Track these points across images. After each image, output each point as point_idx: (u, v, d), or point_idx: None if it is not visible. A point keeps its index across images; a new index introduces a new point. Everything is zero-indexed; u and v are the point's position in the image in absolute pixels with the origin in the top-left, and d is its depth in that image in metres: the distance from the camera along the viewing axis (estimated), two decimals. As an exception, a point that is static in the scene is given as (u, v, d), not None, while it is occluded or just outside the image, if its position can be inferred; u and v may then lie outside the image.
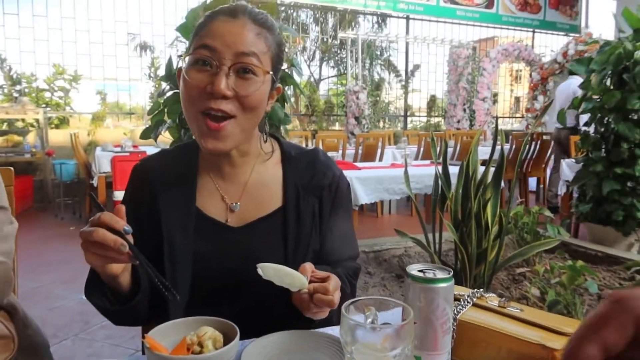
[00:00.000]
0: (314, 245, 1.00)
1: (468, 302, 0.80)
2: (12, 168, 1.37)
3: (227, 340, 0.73)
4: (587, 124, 3.45)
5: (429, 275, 0.67)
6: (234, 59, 0.85)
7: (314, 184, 1.02)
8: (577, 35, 9.31)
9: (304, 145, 3.49)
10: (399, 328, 0.62)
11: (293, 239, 0.98)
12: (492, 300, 0.82)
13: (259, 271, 0.78)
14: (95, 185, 5.40)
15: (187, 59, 0.89)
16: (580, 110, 3.36)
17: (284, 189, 1.01)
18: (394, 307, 0.67)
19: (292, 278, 0.79)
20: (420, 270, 0.68)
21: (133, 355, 2.41)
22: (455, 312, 0.78)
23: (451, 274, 0.67)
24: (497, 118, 2.91)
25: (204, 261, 0.95)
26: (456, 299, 0.80)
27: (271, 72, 0.91)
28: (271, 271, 0.78)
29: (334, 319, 0.93)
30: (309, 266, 0.83)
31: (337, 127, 10.32)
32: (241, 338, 0.74)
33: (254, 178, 1.01)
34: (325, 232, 1.02)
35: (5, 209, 1.13)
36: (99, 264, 0.77)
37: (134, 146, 6.38)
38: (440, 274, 0.67)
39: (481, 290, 0.82)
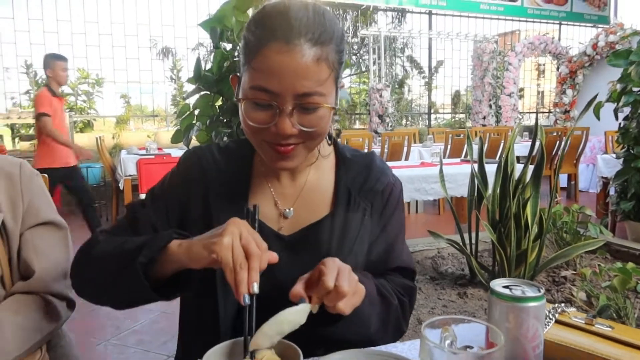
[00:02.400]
0: (360, 255, 0.93)
1: (550, 318, 0.72)
2: (46, 175, 1.35)
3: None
4: (627, 118, 3.30)
5: (517, 292, 0.60)
6: (295, 100, 0.79)
7: (366, 188, 0.96)
8: (606, 26, 9.02)
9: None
10: (488, 355, 0.55)
11: (335, 249, 0.91)
12: (576, 316, 0.74)
13: (259, 348, 0.69)
14: (121, 188, 5.43)
15: (246, 91, 0.81)
16: (620, 104, 3.22)
17: (335, 193, 0.96)
18: (474, 330, 0.60)
19: (285, 319, 0.70)
20: (506, 287, 0.61)
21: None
22: (537, 330, 0.70)
23: (542, 291, 0.60)
24: (537, 113, 2.77)
25: None
26: (537, 315, 0.72)
27: (336, 106, 0.85)
28: (264, 340, 0.68)
29: (375, 313, 0.86)
30: (299, 285, 0.75)
31: (357, 125, 10.22)
32: None
33: (309, 183, 0.97)
34: (375, 239, 0.96)
35: (62, 227, 1.10)
36: (209, 262, 0.71)
37: (159, 148, 6.41)
38: (530, 292, 0.60)
39: (562, 304, 0.74)
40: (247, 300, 0.68)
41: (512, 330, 0.59)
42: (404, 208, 1.06)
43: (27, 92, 7.38)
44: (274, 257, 0.73)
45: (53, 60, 4.45)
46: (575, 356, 0.67)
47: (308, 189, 0.96)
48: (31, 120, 6.54)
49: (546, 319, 0.72)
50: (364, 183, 0.97)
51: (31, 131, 6.98)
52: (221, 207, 0.90)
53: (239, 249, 0.70)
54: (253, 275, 0.69)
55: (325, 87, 0.80)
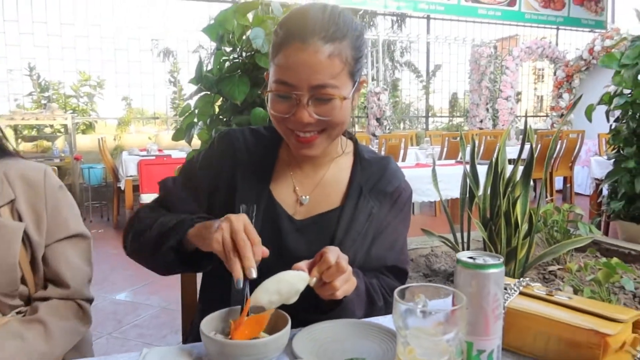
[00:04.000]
0: (361, 249, 1.01)
1: (515, 290, 0.80)
2: (55, 167, 1.42)
3: (277, 328, 0.75)
4: (618, 120, 3.38)
5: (479, 261, 0.68)
6: (310, 92, 0.89)
7: (377, 188, 1.05)
8: (603, 31, 9.12)
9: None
10: (451, 313, 0.63)
11: (339, 239, 0.99)
12: (539, 289, 0.81)
13: (258, 304, 0.77)
14: (122, 188, 5.51)
15: (270, 85, 0.93)
16: (612, 106, 3.30)
17: (348, 188, 1.05)
18: (445, 297, 0.67)
19: (286, 280, 0.78)
20: (470, 257, 0.69)
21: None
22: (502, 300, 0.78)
23: (502, 260, 0.68)
24: (526, 116, 2.85)
25: (264, 244, 0.97)
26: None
27: (347, 95, 0.92)
28: (264, 295, 0.76)
29: (360, 309, 0.93)
30: (302, 263, 0.83)
31: (356, 128, 10.30)
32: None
33: (327, 176, 1.06)
34: (377, 235, 1.04)
35: (88, 237, 1.14)
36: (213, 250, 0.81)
37: (159, 150, 6.49)
38: (490, 260, 0.68)
39: (527, 279, 0.82)
40: (240, 285, 0.76)
41: (475, 294, 0.67)
42: (411, 213, 1.13)
43: (30, 94, 7.46)
44: (265, 251, 0.81)
45: None
46: (534, 322, 0.75)
47: (325, 180, 1.06)
48: (34, 121, 6.62)
49: (511, 290, 0.80)
50: (376, 183, 1.05)
51: (33, 132, 7.06)
52: (245, 185, 1.00)
53: (229, 242, 0.78)
54: (246, 262, 0.77)
55: (338, 80, 0.90)
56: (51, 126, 7.08)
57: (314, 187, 1.05)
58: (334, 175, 1.06)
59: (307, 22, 0.89)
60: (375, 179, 1.06)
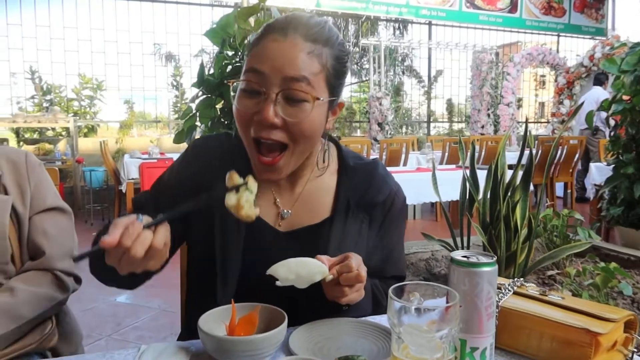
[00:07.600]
0: None
1: (509, 290, 0.81)
2: (56, 168, 1.44)
3: (273, 325, 0.76)
4: (617, 126, 3.39)
5: (473, 260, 0.69)
6: (282, 85, 0.82)
7: (367, 200, 0.99)
8: (603, 38, 9.15)
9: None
10: (445, 310, 0.64)
11: (334, 252, 0.94)
12: (533, 289, 0.83)
13: (274, 274, 0.78)
14: (124, 191, 5.53)
15: (241, 78, 0.86)
16: (610, 112, 3.31)
17: (335, 200, 0.99)
18: (439, 295, 0.68)
19: (308, 266, 0.78)
20: (464, 256, 0.70)
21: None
22: (497, 299, 0.79)
23: (495, 258, 0.69)
24: (526, 122, 2.86)
25: (250, 259, 0.95)
26: (497, 287, 0.81)
27: (322, 98, 0.85)
28: (283, 270, 0.77)
29: (367, 308, 0.94)
30: (324, 257, 0.82)
31: (358, 133, 10.34)
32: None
33: (308, 187, 1.00)
34: (372, 248, 0.99)
35: (67, 212, 1.18)
36: (134, 269, 0.74)
37: (161, 153, 6.51)
38: (483, 259, 0.69)
39: (521, 279, 0.83)
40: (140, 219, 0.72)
41: (468, 292, 0.68)
42: (406, 217, 1.08)
43: (32, 97, 7.49)
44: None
45: None
46: (527, 321, 0.76)
47: (307, 193, 0.99)
48: (37, 124, 6.66)
49: (505, 290, 0.81)
50: (363, 194, 0.98)
51: (35, 135, 7.09)
52: (224, 194, 0.95)
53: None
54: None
55: (315, 81, 0.83)
56: (53, 129, 7.11)
57: (294, 201, 0.99)
58: (317, 186, 0.99)
59: (291, 20, 0.86)
60: (362, 189, 0.99)
